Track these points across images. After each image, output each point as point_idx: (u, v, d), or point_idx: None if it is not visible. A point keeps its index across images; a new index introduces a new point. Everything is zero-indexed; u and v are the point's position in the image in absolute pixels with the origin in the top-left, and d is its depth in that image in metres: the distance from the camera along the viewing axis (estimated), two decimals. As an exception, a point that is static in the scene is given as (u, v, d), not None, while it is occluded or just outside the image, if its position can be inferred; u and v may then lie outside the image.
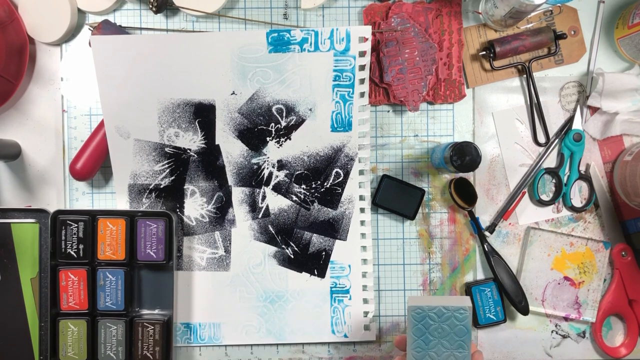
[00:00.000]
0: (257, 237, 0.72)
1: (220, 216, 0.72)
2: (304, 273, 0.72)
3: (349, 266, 0.72)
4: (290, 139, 0.71)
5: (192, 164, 0.72)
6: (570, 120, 0.73)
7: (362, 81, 0.70)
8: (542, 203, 0.73)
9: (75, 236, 0.68)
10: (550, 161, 0.74)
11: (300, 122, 0.71)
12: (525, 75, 0.73)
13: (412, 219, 0.72)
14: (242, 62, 0.70)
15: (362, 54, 0.70)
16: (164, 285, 0.71)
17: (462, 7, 0.73)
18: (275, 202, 0.72)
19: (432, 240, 0.74)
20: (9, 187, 0.74)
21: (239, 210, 0.72)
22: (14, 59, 0.70)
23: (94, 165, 0.70)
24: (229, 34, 0.70)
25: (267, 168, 0.72)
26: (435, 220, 0.74)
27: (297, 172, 0.72)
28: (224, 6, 0.71)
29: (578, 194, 0.74)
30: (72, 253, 0.68)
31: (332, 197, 0.72)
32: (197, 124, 0.71)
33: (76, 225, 0.68)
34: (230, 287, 0.72)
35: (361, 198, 0.72)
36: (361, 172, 0.71)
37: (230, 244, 0.72)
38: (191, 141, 0.71)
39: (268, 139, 0.71)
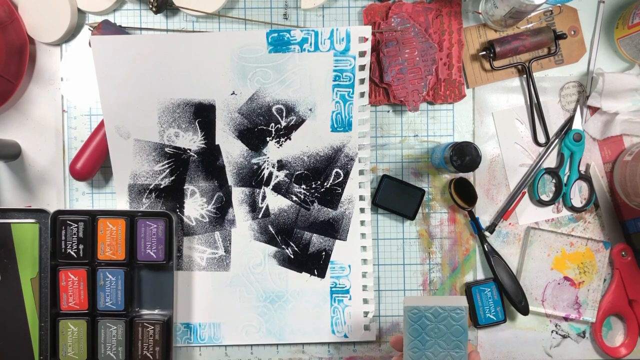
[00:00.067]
0: (257, 237, 0.72)
1: (220, 216, 0.72)
2: (304, 273, 0.72)
3: (349, 266, 0.72)
4: (290, 139, 0.71)
5: (192, 164, 0.72)
6: (570, 120, 0.73)
7: (362, 81, 0.70)
8: (542, 203, 0.73)
9: (75, 236, 0.68)
10: (550, 161, 0.74)
11: (300, 122, 0.71)
12: (525, 75, 0.73)
13: (412, 219, 0.72)
14: (242, 62, 0.70)
15: (362, 54, 0.70)
16: (164, 285, 0.71)
17: (462, 7, 0.73)
18: (275, 202, 0.72)
19: (432, 240, 0.74)
20: (9, 187, 0.74)
21: (239, 211, 0.72)
22: (14, 59, 0.70)
23: (94, 165, 0.70)
24: (229, 34, 0.70)
25: (267, 168, 0.72)
26: (435, 220, 0.74)
27: (297, 172, 0.72)
28: (224, 6, 0.71)
29: (578, 194, 0.74)
30: (72, 253, 0.68)
31: (332, 197, 0.72)
32: (197, 124, 0.71)
33: (76, 225, 0.68)
34: (230, 287, 0.72)
35: (361, 198, 0.72)
36: (361, 172, 0.71)
37: (230, 244, 0.72)
38: (191, 141, 0.71)
39: (268, 139, 0.71)
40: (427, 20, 0.72)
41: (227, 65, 0.70)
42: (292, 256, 0.72)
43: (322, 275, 0.72)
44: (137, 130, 0.71)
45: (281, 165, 0.71)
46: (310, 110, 0.71)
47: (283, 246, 0.72)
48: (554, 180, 0.74)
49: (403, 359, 0.56)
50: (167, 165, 0.72)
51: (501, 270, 0.72)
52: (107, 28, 0.70)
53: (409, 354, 0.54)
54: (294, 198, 0.72)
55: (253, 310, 0.72)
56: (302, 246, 0.72)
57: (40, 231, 0.70)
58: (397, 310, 0.74)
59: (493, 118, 0.74)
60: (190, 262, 0.72)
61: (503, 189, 0.74)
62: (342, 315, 0.72)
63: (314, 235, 0.72)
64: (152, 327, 0.69)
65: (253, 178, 0.72)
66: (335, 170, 0.71)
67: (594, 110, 0.73)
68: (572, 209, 0.73)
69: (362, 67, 0.70)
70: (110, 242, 0.69)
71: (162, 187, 0.72)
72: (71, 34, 0.73)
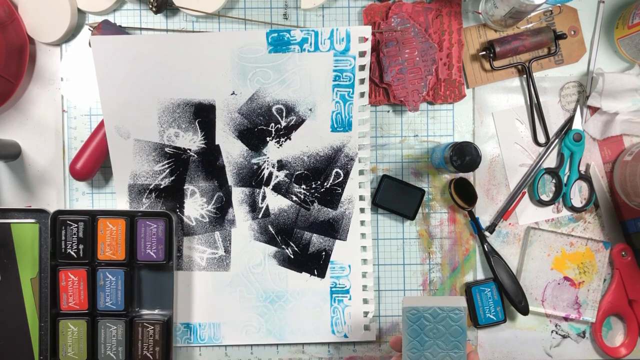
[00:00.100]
0: (257, 237, 0.72)
1: (220, 216, 0.72)
2: (304, 273, 0.72)
3: (349, 266, 0.72)
4: (290, 139, 0.71)
5: (192, 164, 0.72)
6: (570, 120, 0.73)
7: (362, 81, 0.70)
8: (542, 203, 0.73)
9: (75, 236, 0.68)
10: (550, 161, 0.74)
11: (300, 122, 0.71)
12: (525, 75, 0.73)
13: (412, 219, 0.72)
14: (242, 62, 0.70)
15: (362, 54, 0.70)
16: (164, 285, 0.71)
17: (462, 7, 0.73)
18: (275, 202, 0.72)
19: (432, 240, 0.74)
20: (9, 187, 0.74)
21: (239, 211, 0.72)
22: (14, 59, 0.70)
23: (94, 165, 0.70)
24: (229, 34, 0.70)
25: (267, 168, 0.72)
26: (435, 220, 0.74)
27: (297, 172, 0.72)
28: (224, 6, 0.71)
29: (578, 194, 0.74)
30: (72, 253, 0.68)
31: (332, 197, 0.72)
32: (197, 124, 0.71)
33: (76, 225, 0.68)
34: (230, 287, 0.72)
35: (361, 198, 0.72)
36: (361, 172, 0.71)
37: (230, 244, 0.72)
38: (191, 141, 0.71)
39: (268, 139, 0.71)
40: (427, 20, 0.72)
41: (227, 65, 0.70)
42: (292, 256, 0.72)
43: (322, 275, 0.72)
44: (137, 130, 0.71)
45: (281, 165, 0.71)
46: (310, 110, 0.71)
47: (283, 246, 0.72)
48: (554, 180, 0.74)
49: None
50: (167, 165, 0.72)
51: (501, 270, 0.72)
52: (107, 28, 0.70)
53: (408, 354, 0.54)
54: (294, 198, 0.72)
55: (253, 310, 0.72)
56: (302, 246, 0.72)
57: (40, 231, 0.70)
58: (397, 310, 0.74)
59: (493, 118, 0.74)
60: (190, 262, 0.72)
61: (503, 189, 0.74)
62: (342, 315, 0.72)
63: (314, 235, 0.72)
64: (152, 327, 0.69)
65: (253, 178, 0.72)
66: (335, 170, 0.71)
67: (594, 110, 0.73)
68: (572, 209, 0.73)
69: (362, 67, 0.70)
70: (110, 242, 0.69)
71: (162, 187, 0.72)
72: (71, 34, 0.73)
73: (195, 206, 0.72)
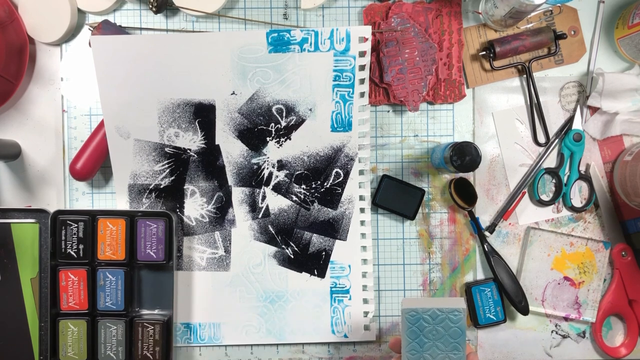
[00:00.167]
0: (257, 237, 0.72)
1: (220, 216, 0.72)
2: (304, 273, 0.72)
3: (349, 266, 0.72)
4: (290, 139, 0.71)
5: (192, 164, 0.72)
6: (570, 120, 0.73)
7: (362, 81, 0.70)
8: (542, 203, 0.73)
9: (75, 236, 0.68)
10: (550, 161, 0.74)
11: (300, 122, 0.71)
12: (525, 75, 0.73)
13: (412, 219, 0.72)
14: (242, 62, 0.70)
15: (362, 54, 0.70)
16: (164, 285, 0.71)
17: (462, 7, 0.73)
18: (275, 202, 0.72)
19: (432, 240, 0.74)
20: (9, 187, 0.74)
21: (239, 210, 0.72)
22: (14, 59, 0.70)
23: (94, 165, 0.70)
24: (229, 34, 0.70)
25: (267, 168, 0.72)
26: (435, 220, 0.74)
27: (297, 172, 0.72)
28: (224, 6, 0.71)
29: (578, 194, 0.74)
30: (72, 253, 0.68)
31: (332, 197, 0.72)
32: (197, 124, 0.71)
33: (76, 225, 0.68)
34: (230, 287, 0.72)
35: (361, 198, 0.72)
36: (361, 172, 0.71)
37: (230, 244, 0.72)
38: (191, 141, 0.71)
39: (268, 139, 0.71)
40: (427, 20, 0.72)
41: (227, 65, 0.70)
42: (292, 256, 0.72)
43: (322, 275, 0.72)
44: (137, 130, 0.71)
45: (281, 165, 0.71)
46: (310, 110, 0.71)
47: (283, 246, 0.72)
48: (554, 180, 0.74)
49: None
50: (167, 165, 0.72)
51: (501, 270, 0.72)
52: (107, 28, 0.70)
53: (407, 356, 0.54)
54: (294, 198, 0.72)
55: (253, 310, 0.72)
56: (302, 246, 0.72)
57: (40, 231, 0.70)
58: (397, 310, 0.74)
59: (493, 118, 0.74)
60: (190, 262, 0.72)
61: (503, 189, 0.74)
62: (342, 315, 0.72)
63: (314, 235, 0.72)
64: (152, 327, 0.69)
65: (253, 178, 0.72)
66: (335, 170, 0.71)
67: (594, 110, 0.73)
68: (572, 209, 0.73)
69: (362, 67, 0.70)
70: (110, 242, 0.69)
71: (162, 187, 0.72)
72: (71, 34, 0.73)
73: (195, 206, 0.72)
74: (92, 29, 0.71)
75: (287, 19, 0.73)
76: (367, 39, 0.69)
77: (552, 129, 0.74)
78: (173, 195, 0.72)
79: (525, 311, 0.71)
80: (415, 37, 0.71)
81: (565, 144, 0.72)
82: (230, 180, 0.72)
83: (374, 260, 0.74)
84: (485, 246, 0.72)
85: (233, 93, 0.70)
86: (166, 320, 0.69)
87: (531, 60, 0.72)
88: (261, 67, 0.70)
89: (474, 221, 0.72)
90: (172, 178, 0.72)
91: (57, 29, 0.71)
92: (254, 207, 0.72)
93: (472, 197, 0.71)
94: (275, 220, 0.72)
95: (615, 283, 0.73)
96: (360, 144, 0.71)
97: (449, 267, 0.74)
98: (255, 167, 0.72)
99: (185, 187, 0.72)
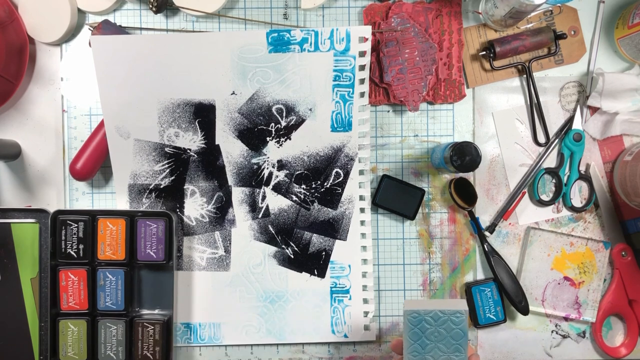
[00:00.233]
0: (257, 237, 0.72)
1: (220, 216, 0.72)
2: (304, 273, 0.72)
3: (349, 266, 0.72)
4: (290, 139, 0.71)
5: (192, 164, 0.72)
6: (570, 120, 0.73)
7: (362, 81, 0.70)
8: (542, 203, 0.73)
9: (75, 236, 0.68)
10: (550, 161, 0.74)
11: (300, 122, 0.71)
12: (525, 75, 0.73)
13: (412, 219, 0.72)
14: (242, 62, 0.70)
15: (362, 54, 0.70)
16: (164, 285, 0.71)
17: (462, 7, 0.73)
18: (275, 202, 0.72)
19: (432, 240, 0.74)
20: (9, 187, 0.74)
21: (239, 210, 0.72)
22: (14, 59, 0.70)
23: (94, 165, 0.71)
24: (229, 34, 0.70)
25: (267, 168, 0.72)
26: (435, 220, 0.74)
27: (297, 172, 0.72)
28: (224, 6, 0.71)
29: (578, 194, 0.74)
30: (72, 253, 0.68)
31: (332, 197, 0.72)
32: (197, 124, 0.71)
33: (76, 225, 0.68)
34: (230, 287, 0.72)
35: (361, 198, 0.72)
36: (361, 172, 0.71)
37: (230, 244, 0.72)
38: (191, 141, 0.71)
39: (268, 139, 0.71)
40: (427, 20, 0.72)
41: (227, 65, 0.70)
42: (292, 256, 0.72)
43: (322, 275, 0.72)
44: (137, 130, 0.71)
45: (281, 165, 0.71)
46: (310, 110, 0.71)
47: (283, 246, 0.72)
48: (554, 180, 0.74)
49: None
50: (167, 165, 0.72)
51: (501, 270, 0.72)
52: (107, 28, 0.70)
53: (409, 357, 0.54)
54: (294, 198, 0.72)
55: (253, 310, 0.72)
56: (302, 246, 0.72)
57: (40, 231, 0.70)
58: (397, 310, 0.74)
59: (493, 118, 0.74)
60: (190, 262, 0.72)
61: (503, 189, 0.74)
62: (342, 315, 0.72)
63: (314, 235, 0.72)
64: (152, 327, 0.69)
65: (253, 178, 0.72)
66: (335, 170, 0.71)
67: (594, 110, 0.73)
68: (572, 209, 0.73)
69: (362, 67, 0.70)
70: (110, 242, 0.69)
71: (162, 187, 0.72)
72: (71, 34, 0.73)
73: (195, 206, 0.72)
74: (92, 29, 0.71)
75: (287, 19, 0.73)
76: (367, 39, 0.69)
77: (552, 129, 0.74)
78: (173, 195, 0.72)
79: (525, 311, 0.71)
80: (415, 37, 0.71)
81: (565, 144, 0.72)
82: (230, 180, 0.72)
83: (374, 260, 0.74)
84: (485, 246, 0.72)
85: (233, 93, 0.70)
86: (166, 320, 0.69)
87: (531, 60, 0.72)
88: (261, 67, 0.70)
89: (474, 221, 0.72)
90: (172, 178, 0.72)
91: (57, 29, 0.71)
92: (254, 207, 0.72)
93: (472, 197, 0.71)
94: (275, 220, 0.72)
95: (615, 283, 0.73)
96: (360, 144, 0.71)
97: (449, 267, 0.74)
98: (255, 167, 0.72)
99: (185, 187, 0.72)
